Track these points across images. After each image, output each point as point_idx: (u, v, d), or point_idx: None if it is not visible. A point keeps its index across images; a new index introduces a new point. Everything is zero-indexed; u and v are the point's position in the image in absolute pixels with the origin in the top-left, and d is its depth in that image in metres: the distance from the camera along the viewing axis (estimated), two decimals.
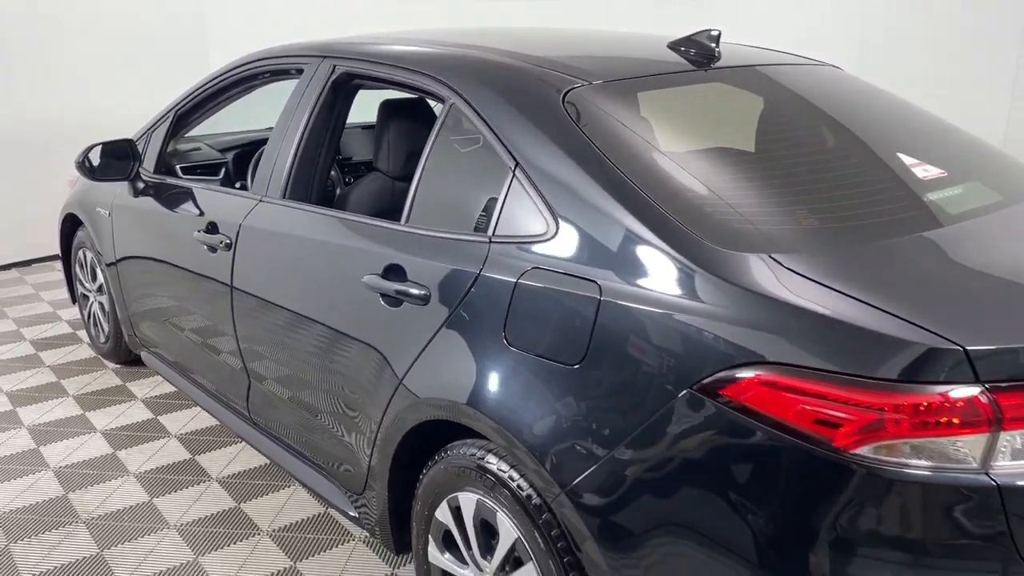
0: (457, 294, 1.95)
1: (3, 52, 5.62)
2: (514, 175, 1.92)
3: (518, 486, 1.80)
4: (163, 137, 3.41)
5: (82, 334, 4.56)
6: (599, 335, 1.66)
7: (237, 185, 3.34)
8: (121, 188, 3.52)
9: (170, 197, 3.22)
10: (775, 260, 1.56)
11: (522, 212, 1.89)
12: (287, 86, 2.78)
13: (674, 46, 2.35)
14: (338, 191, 3.55)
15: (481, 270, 1.91)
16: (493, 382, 1.84)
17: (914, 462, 1.37)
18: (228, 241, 2.73)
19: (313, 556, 2.65)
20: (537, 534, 1.78)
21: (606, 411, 1.64)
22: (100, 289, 4.00)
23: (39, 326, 4.77)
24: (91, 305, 4.18)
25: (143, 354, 3.75)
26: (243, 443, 3.32)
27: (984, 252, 1.72)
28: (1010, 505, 1.36)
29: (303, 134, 2.60)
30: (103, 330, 4.11)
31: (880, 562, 1.40)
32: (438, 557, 2.11)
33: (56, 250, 4.42)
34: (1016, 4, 5.40)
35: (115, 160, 3.36)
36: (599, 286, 1.69)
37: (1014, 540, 1.38)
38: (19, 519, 2.86)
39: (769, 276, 1.53)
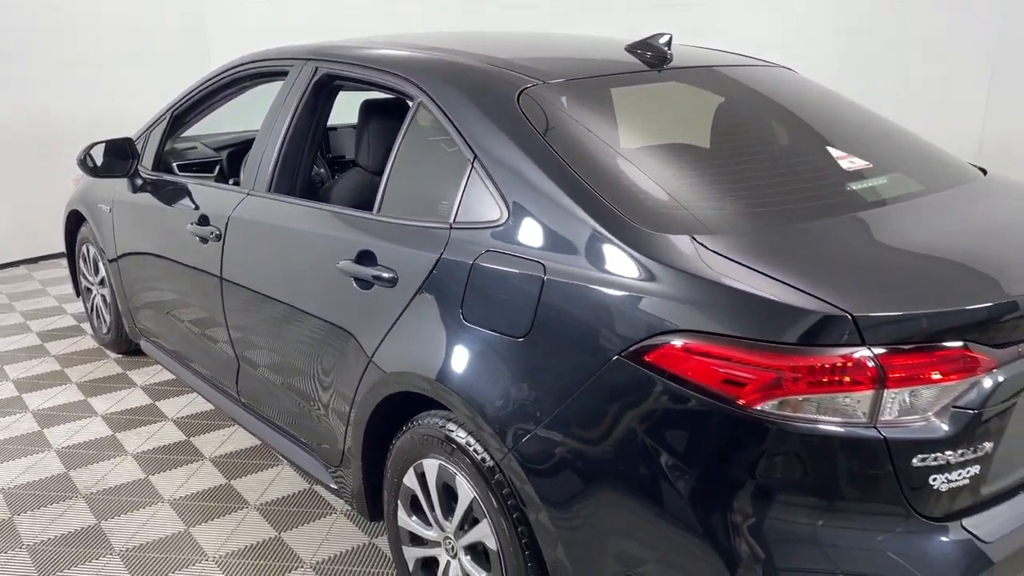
0: (421, 276, 2.13)
1: (12, 55, 5.83)
2: (472, 167, 2.10)
3: (474, 450, 1.97)
4: (160, 136, 3.60)
5: (86, 326, 4.75)
6: (542, 310, 1.83)
7: (231, 182, 3.52)
8: (121, 185, 3.71)
9: (166, 193, 3.40)
10: (697, 241, 1.73)
11: (479, 201, 2.07)
12: (277, 87, 2.96)
13: (631, 48, 2.52)
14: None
15: (442, 254, 2.09)
16: (451, 355, 2.01)
17: (810, 417, 1.53)
18: (218, 233, 2.91)
19: (297, 527, 2.83)
20: (490, 494, 1.94)
21: (547, 379, 1.81)
22: (102, 282, 4.19)
23: (45, 319, 4.96)
24: (94, 298, 4.38)
25: (142, 343, 3.93)
26: (236, 426, 3.50)
27: (889, 234, 1.89)
28: (896, 456, 1.53)
29: (287, 131, 2.78)
30: (105, 321, 4.30)
31: (784, 506, 1.57)
32: (406, 520, 2.28)
33: (62, 247, 4.62)
34: (990, 7, 5.55)
35: (115, 158, 3.55)
36: (543, 266, 1.86)
37: (900, 486, 1.54)
38: (23, 494, 3.05)
39: (690, 255, 1.70)
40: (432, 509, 2.17)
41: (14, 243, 6.13)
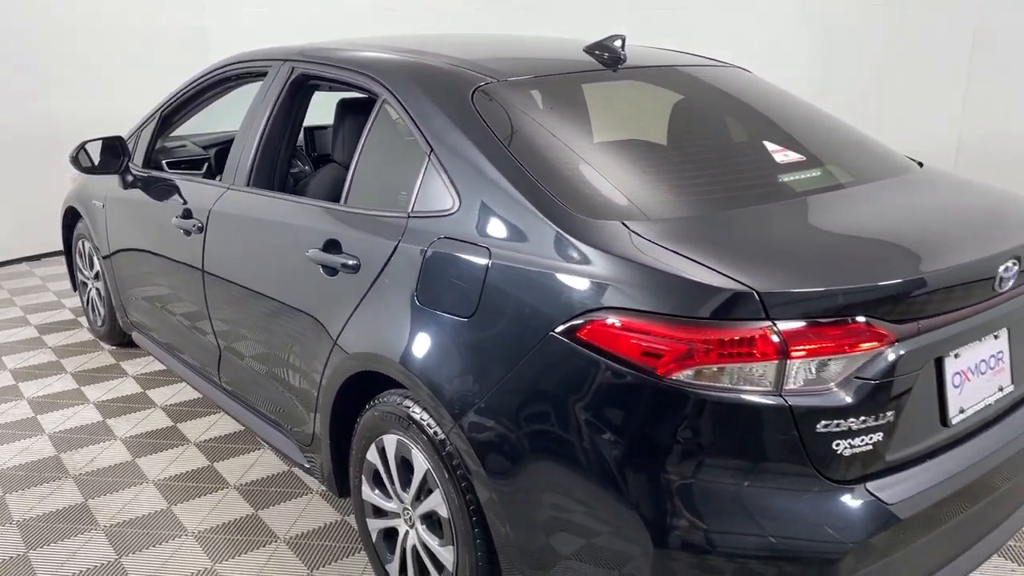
0: (380, 262, 2.26)
1: (15, 58, 6.01)
2: (429, 159, 2.23)
3: (427, 424, 2.11)
4: (151, 135, 3.75)
5: (83, 320, 4.91)
6: (487, 292, 1.97)
7: (217, 179, 3.67)
8: (114, 182, 3.86)
9: (155, 189, 3.55)
10: (626, 226, 1.86)
11: (434, 191, 2.20)
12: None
13: (588, 49, 2.66)
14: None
15: (400, 241, 2.23)
16: (406, 336, 2.15)
17: (722, 385, 1.66)
18: (200, 225, 3.06)
19: (274, 506, 2.97)
20: (441, 465, 2.08)
21: (490, 355, 1.94)
22: (97, 276, 4.34)
23: (44, 313, 5.12)
24: (89, 292, 4.53)
25: (134, 335, 4.08)
26: (221, 413, 3.64)
27: (809, 221, 2.02)
28: (801, 422, 1.66)
29: (265, 128, 2.92)
30: (100, 314, 4.46)
31: (703, 469, 1.69)
32: (369, 494, 2.41)
33: (61, 244, 4.77)
34: (965, 14, 5.66)
35: (106, 155, 3.70)
36: (489, 251, 1.99)
37: (806, 451, 1.67)
38: (15, 475, 3.20)
39: (618, 239, 1.83)
40: (392, 482, 2.31)
41: (16, 241, 6.30)
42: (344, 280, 2.38)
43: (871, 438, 1.71)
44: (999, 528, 2.12)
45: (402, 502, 2.29)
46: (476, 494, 2.02)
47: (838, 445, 1.68)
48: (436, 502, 2.14)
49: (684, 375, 1.67)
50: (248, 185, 2.93)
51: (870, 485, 1.73)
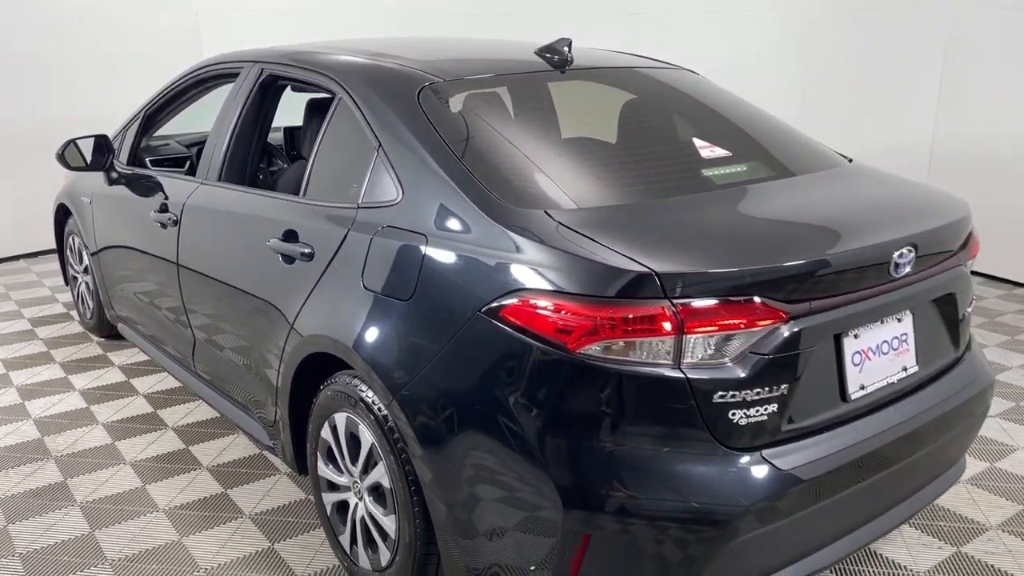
0: (332, 250, 2.41)
1: (15, 61, 6.20)
2: (377, 154, 2.39)
3: (372, 401, 2.25)
4: (135, 134, 3.92)
5: (74, 313, 5.07)
6: (424, 275, 2.12)
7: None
8: (101, 179, 4.03)
9: (137, 185, 3.72)
10: (547, 214, 2.01)
11: (381, 183, 2.36)
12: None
13: (539, 52, 2.81)
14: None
15: (349, 230, 2.38)
16: (352, 318, 2.30)
17: (626, 359, 1.80)
18: (175, 219, 3.22)
19: (242, 485, 3.12)
20: (384, 438, 2.22)
21: (425, 334, 2.09)
22: (86, 270, 4.51)
23: (37, 307, 5.30)
24: (79, 285, 4.70)
25: (120, 326, 4.25)
26: (200, 401, 3.80)
27: (722, 210, 2.16)
28: (698, 393, 1.80)
29: (236, 125, 3.08)
30: (89, 307, 4.63)
31: (609, 434, 1.83)
32: (324, 470, 2.56)
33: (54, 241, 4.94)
34: (938, 21, 5.79)
35: (92, 153, 3.86)
36: (426, 237, 2.14)
37: (704, 419, 1.81)
38: None
39: (539, 225, 1.98)
40: (343, 457, 2.46)
41: (14, 238, 6.49)
42: (300, 268, 2.53)
43: (767, 409, 1.85)
44: (907, 502, 2.26)
45: (352, 476, 2.44)
46: (414, 465, 2.16)
47: (734, 415, 1.82)
48: (380, 474, 2.29)
49: (593, 349, 1.81)
50: (219, 180, 3.09)
51: (766, 452, 1.87)
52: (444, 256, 2.08)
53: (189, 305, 3.26)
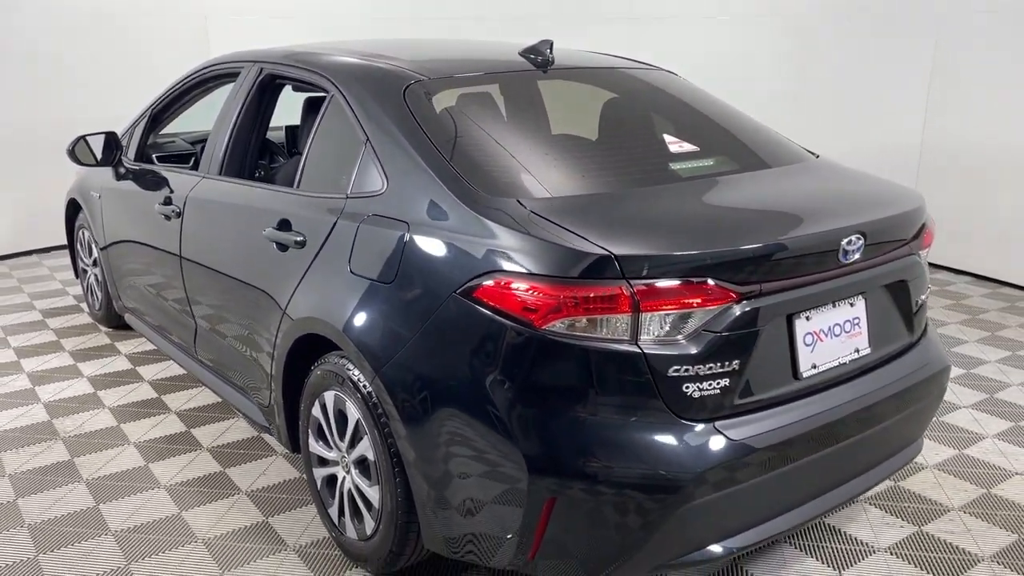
0: (322, 238, 2.57)
1: (30, 61, 6.40)
2: (365, 147, 2.54)
3: (358, 378, 2.40)
4: (142, 131, 4.09)
5: (83, 305, 5.25)
6: (405, 260, 2.26)
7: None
8: (110, 174, 4.20)
9: (143, 180, 3.88)
10: (519, 203, 2.15)
11: (368, 175, 2.51)
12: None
13: (523, 52, 2.95)
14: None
15: (338, 219, 2.53)
16: (340, 301, 2.45)
17: (588, 335, 1.94)
18: (178, 211, 3.38)
19: (240, 465, 3.27)
20: (369, 414, 2.37)
21: (406, 315, 2.24)
22: (95, 263, 4.68)
23: (49, 299, 5.48)
24: (89, 278, 4.87)
25: (127, 316, 4.41)
26: (203, 387, 3.96)
27: (684, 200, 2.30)
28: (654, 367, 1.94)
29: (236, 121, 3.24)
30: (98, 299, 4.80)
31: (573, 405, 1.97)
32: (314, 446, 2.71)
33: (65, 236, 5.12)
34: (927, 26, 5.90)
35: (102, 149, 4.03)
36: (408, 224, 2.29)
37: (660, 392, 1.95)
38: (10, 436, 3.52)
39: (512, 213, 2.12)
40: (332, 433, 2.60)
41: (27, 234, 6.68)
42: (292, 255, 2.68)
43: (720, 383, 1.99)
44: (861, 476, 2.39)
45: (340, 450, 2.58)
46: (395, 438, 2.31)
47: (688, 388, 1.96)
48: (365, 447, 2.43)
49: (557, 326, 1.95)
50: (220, 174, 3.24)
51: (719, 423, 2.01)
52: (424, 242, 2.23)
53: (191, 293, 3.42)
